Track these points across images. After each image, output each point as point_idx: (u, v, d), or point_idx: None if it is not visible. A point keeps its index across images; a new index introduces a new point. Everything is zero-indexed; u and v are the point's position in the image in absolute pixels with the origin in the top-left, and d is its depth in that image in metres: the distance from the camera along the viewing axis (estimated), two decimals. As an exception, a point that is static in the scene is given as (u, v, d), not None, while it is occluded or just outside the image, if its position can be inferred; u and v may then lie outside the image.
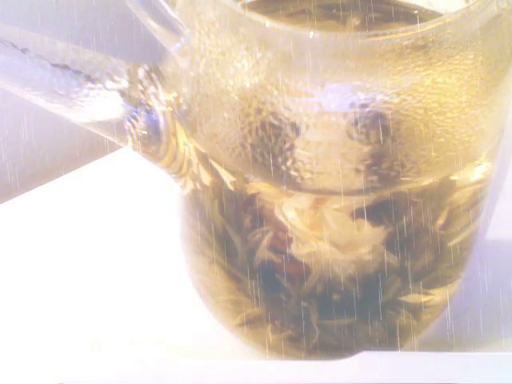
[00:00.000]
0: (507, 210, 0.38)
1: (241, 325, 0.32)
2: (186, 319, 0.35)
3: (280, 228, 0.26)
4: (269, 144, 0.24)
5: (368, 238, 0.26)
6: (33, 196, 0.42)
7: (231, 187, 0.27)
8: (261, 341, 0.32)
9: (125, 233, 0.39)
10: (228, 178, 0.26)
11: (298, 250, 0.26)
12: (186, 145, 0.27)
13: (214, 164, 0.26)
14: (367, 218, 0.25)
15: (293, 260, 0.27)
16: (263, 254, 0.27)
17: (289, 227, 0.26)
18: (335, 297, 0.28)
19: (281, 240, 0.27)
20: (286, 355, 0.31)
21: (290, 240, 0.26)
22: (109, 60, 0.26)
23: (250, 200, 0.26)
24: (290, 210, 0.26)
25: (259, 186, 0.26)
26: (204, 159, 0.27)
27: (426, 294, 0.30)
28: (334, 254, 0.26)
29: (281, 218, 0.26)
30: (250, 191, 0.26)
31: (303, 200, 0.25)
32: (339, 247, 0.26)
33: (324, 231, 0.26)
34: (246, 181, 0.26)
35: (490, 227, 0.37)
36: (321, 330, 0.30)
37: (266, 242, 0.27)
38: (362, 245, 0.26)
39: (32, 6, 0.41)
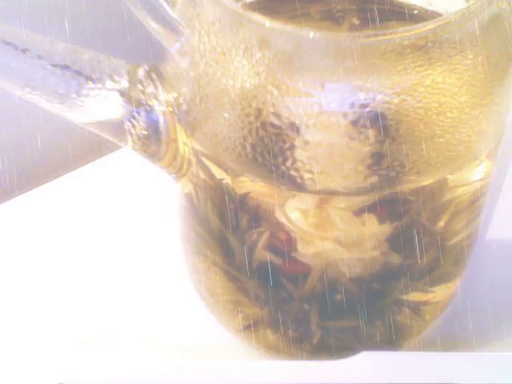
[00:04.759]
0: (507, 210, 0.38)
1: (242, 328, 0.32)
2: (186, 319, 0.35)
3: (279, 228, 0.26)
4: (269, 144, 0.24)
5: (373, 236, 0.26)
6: (33, 196, 0.42)
7: (229, 187, 0.27)
8: (261, 341, 0.32)
9: (125, 233, 0.39)
10: (225, 178, 0.26)
11: (303, 251, 0.26)
12: (186, 145, 0.27)
13: (211, 164, 0.26)
14: (371, 215, 0.25)
15: (293, 260, 0.27)
16: (261, 254, 0.27)
17: (292, 228, 0.26)
18: (337, 297, 0.28)
19: (280, 240, 0.27)
20: (286, 355, 0.31)
21: (294, 240, 0.26)
22: (109, 60, 0.26)
23: (248, 200, 0.26)
24: (294, 211, 0.26)
25: (257, 187, 0.26)
26: (201, 159, 0.27)
27: (427, 291, 0.30)
28: (340, 253, 0.26)
29: (283, 219, 0.26)
30: (248, 191, 0.26)
31: (307, 200, 0.25)
32: (345, 245, 0.26)
33: (329, 230, 0.26)
34: (244, 181, 0.26)
35: (489, 227, 0.37)
36: (322, 330, 0.30)
37: (263, 242, 0.27)
38: (368, 242, 0.26)
39: (32, 5, 0.41)
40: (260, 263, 0.28)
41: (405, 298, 0.29)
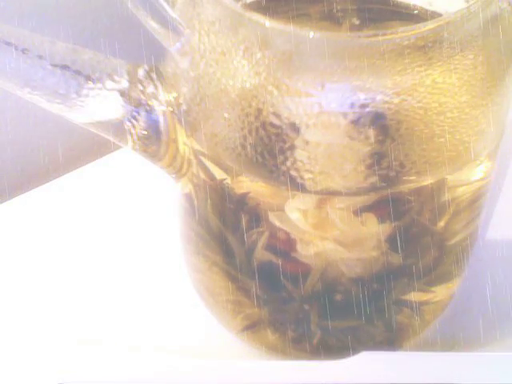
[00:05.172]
0: (507, 210, 0.38)
1: (242, 328, 0.32)
2: (186, 319, 0.35)
3: (279, 228, 0.26)
4: (269, 144, 0.24)
5: (373, 236, 0.26)
6: (33, 196, 0.42)
7: (229, 187, 0.27)
8: (261, 341, 0.32)
9: (125, 233, 0.39)
10: (225, 178, 0.26)
11: (303, 251, 0.26)
12: (186, 145, 0.27)
13: (211, 164, 0.26)
14: (371, 215, 0.25)
15: (293, 260, 0.27)
16: (261, 254, 0.27)
17: (292, 228, 0.26)
18: (337, 297, 0.28)
19: (280, 240, 0.27)
20: (286, 356, 0.31)
21: (293, 240, 0.26)
22: (109, 60, 0.26)
23: (248, 200, 0.26)
24: (294, 211, 0.26)
25: (257, 187, 0.26)
26: (200, 159, 0.27)
27: (427, 291, 0.30)
28: (340, 253, 0.26)
29: (282, 221, 0.26)
30: (248, 191, 0.26)
31: (307, 200, 0.25)
32: (345, 245, 0.26)
33: (329, 230, 0.26)
34: (244, 181, 0.26)
35: (489, 227, 0.37)
36: (322, 330, 0.30)
37: (263, 242, 0.27)
38: (368, 242, 0.26)
39: (32, 6, 0.41)
40: (260, 263, 0.28)
41: (405, 297, 0.29)
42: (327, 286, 0.28)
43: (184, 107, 0.26)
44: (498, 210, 0.37)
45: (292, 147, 0.24)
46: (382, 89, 0.23)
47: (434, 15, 0.30)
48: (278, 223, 0.26)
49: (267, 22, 0.22)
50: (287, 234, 0.26)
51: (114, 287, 0.37)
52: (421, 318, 0.31)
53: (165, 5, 0.25)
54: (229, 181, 0.27)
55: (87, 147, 0.43)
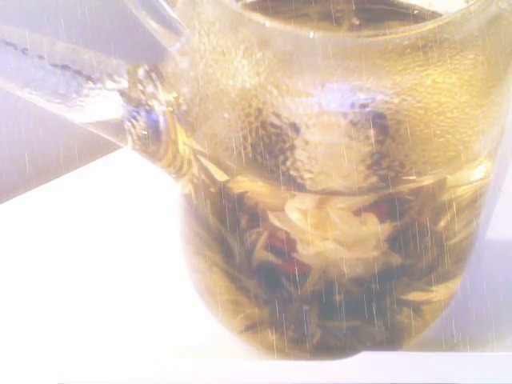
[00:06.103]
0: (507, 209, 0.38)
1: (242, 328, 0.32)
2: (186, 319, 0.35)
3: (279, 228, 0.26)
4: (269, 144, 0.24)
5: (373, 236, 0.26)
6: (33, 196, 0.42)
7: (228, 187, 0.27)
8: (261, 341, 0.32)
9: (125, 233, 0.39)
10: (225, 178, 0.26)
11: (303, 251, 0.26)
12: (186, 145, 0.27)
13: (211, 164, 0.26)
14: (371, 215, 0.25)
15: (293, 260, 0.27)
16: (261, 254, 0.27)
17: (292, 228, 0.26)
18: (338, 297, 0.28)
19: (280, 240, 0.27)
20: (286, 356, 0.31)
21: (293, 240, 0.26)
22: (109, 60, 0.26)
23: (247, 200, 0.26)
24: (294, 211, 0.26)
25: (257, 186, 0.26)
26: (200, 159, 0.27)
27: (428, 291, 0.30)
28: (340, 253, 0.26)
29: (282, 221, 0.26)
30: (247, 191, 0.26)
31: (307, 200, 0.25)
32: (345, 245, 0.26)
33: (329, 231, 0.26)
34: (244, 181, 0.26)
35: (489, 227, 0.37)
36: (322, 330, 0.30)
37: (262, 242, 0.27)
38: (368, 242, 0.26)
39: (32, 6, 0.41)
40: (260, 263, 0.28)
41: (405, 297, 0.29)
42: (327, 286, 0.28)
43: (184, 107, 0.26)
44: (497, 210, 0.37)
45: (292, 147, 0.24)
46: (381, 89, 0.23)
47: (434, 15, 0.30)
48: (277, 223, 0.26)
49: (267, 22, 0.22)
50: (287, 234, 0.26)
51: (113, 287, 0.37)
52: (421, 317, 0.31)
53: (165, 5, 0.25)
54: (229, 181, 0.26)
55: (87, 147, 0.43)
